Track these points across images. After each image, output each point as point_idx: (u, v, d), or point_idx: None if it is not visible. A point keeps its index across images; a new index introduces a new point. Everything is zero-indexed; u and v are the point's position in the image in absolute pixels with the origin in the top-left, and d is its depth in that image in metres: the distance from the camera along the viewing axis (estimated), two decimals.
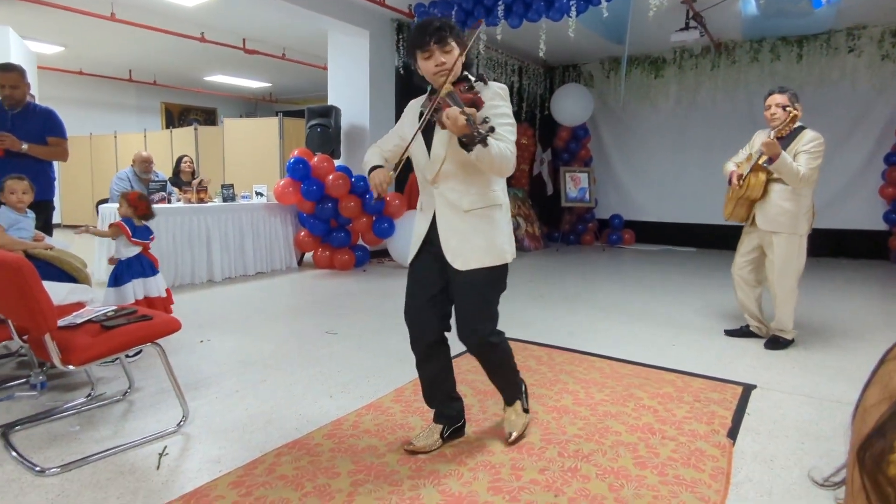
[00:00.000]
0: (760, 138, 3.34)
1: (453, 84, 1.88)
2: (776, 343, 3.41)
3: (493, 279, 2.00)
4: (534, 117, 8.75)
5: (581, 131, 8.65)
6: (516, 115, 8.50)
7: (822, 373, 3.01)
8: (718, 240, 7.46)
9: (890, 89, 6.75)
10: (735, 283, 3.61)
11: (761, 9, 5.78)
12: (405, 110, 2.13)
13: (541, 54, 5.77)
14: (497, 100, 1.93)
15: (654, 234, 8.54)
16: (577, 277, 5.89)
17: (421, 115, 1.98)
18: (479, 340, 2.02)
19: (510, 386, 2.22)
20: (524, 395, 2.28)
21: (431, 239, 2.02)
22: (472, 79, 1.96)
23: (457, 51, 1.89)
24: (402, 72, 6.81)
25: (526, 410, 2.26)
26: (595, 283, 5.59)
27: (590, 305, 4.58)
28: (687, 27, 6.15)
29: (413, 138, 1.94)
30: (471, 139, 1.67)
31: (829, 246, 7.00)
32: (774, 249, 3.30)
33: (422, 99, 2.08)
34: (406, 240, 6.03)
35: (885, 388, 0.65)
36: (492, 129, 1.68)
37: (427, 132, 1.96)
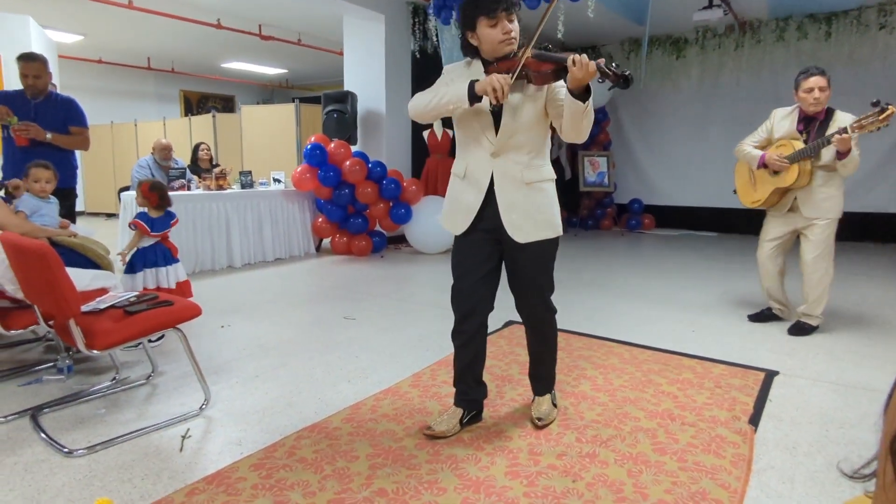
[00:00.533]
0: (782, 119, 3.28)
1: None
2: (801, 329, 3.35)
3: (551, 251, 2.05)
4: None
5: (600, 115, 8.49)
6: None
7: (848, 358, 2.95)
8: (741, 224, 7.32)
9: None
10: (762, 270, 3.53)
11: None
12: (447, 73, 2.03)
13: (559, 35, 5.68)
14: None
15: (675, 218, 8.41)
16: (596, 262, 5.84)
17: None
18: (542, 309, 2.08)
19: (549, 372, 2.25)
20: (555, 392, 2.30)
21: (483, 213, 1.98)
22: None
23: (517, 23, 1.87)
24: (417, 56, 6.76)
25: (555, 406, 2.27)
26: (614, 269, 5.53)
27: (608, 290, 4.54)
28: (710, 5, 6.00)
29: (502, 102, 1.79)
30: (610, 78, 1.67)
31: (855, 230, 6.83)
32: (815, 234, 3.25)
33: (465, 66, 1.99)
34: (423, 225, 6.05)
35: None
36: (628, 79, 1.67)
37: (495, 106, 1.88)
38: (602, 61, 1.68)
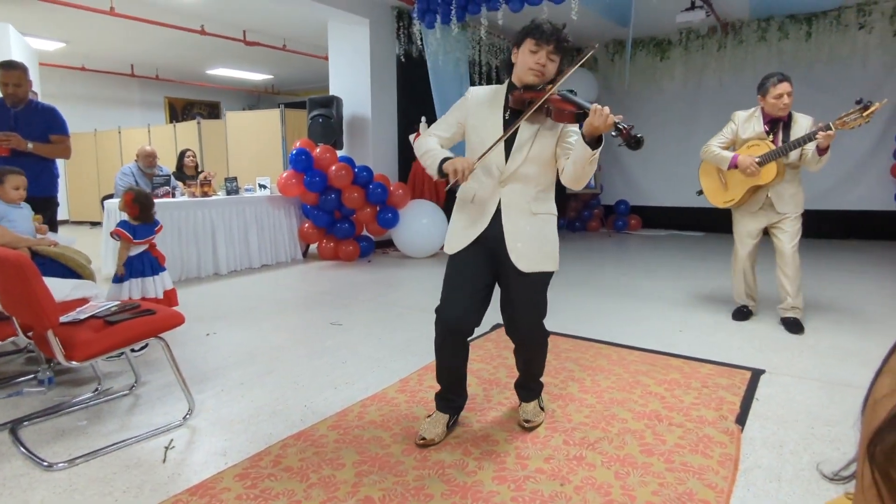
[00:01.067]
0: (747, 121, 3.40)
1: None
2: (797, 325, 3.39)
3: (548, 279, 2.08)
4: None
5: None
6: None
7: (833, 355, 2.97)
8: (726, 223, 7.35)
9: None
10: (743, 269, 3.58)
11: None
12: (468, 97, 2.07)
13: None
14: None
15: (661, 218, 8.47)
16: (583, 264, 5.86)
17: (508, 110, 1.97)
18: (536, 334, 2.12)
19: (537, 384, 2.26)
20: (542, 396, 2.31)
21: (488, 235, 2.00)
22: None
23: (556, 65, 1.92)
24: (402, 60, 6.75)
25: (543, 409, 2.28)
26: (601, 270, 5.55)
27: (596, 292, 4.55)
28: (693, 7, 6.06)
29: (509, 132, 1.91)
30: (623, 135, 1.72)
31: (839, 227, 6.92)
32: (789, 226, 3.37)
33: (493, 91, 2.05)
34: (411, 230, 6.03)
35: None
36: (639, 140, 1.72)
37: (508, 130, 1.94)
38: (620, 118, 1.73)
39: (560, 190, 9.67)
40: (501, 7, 5.50)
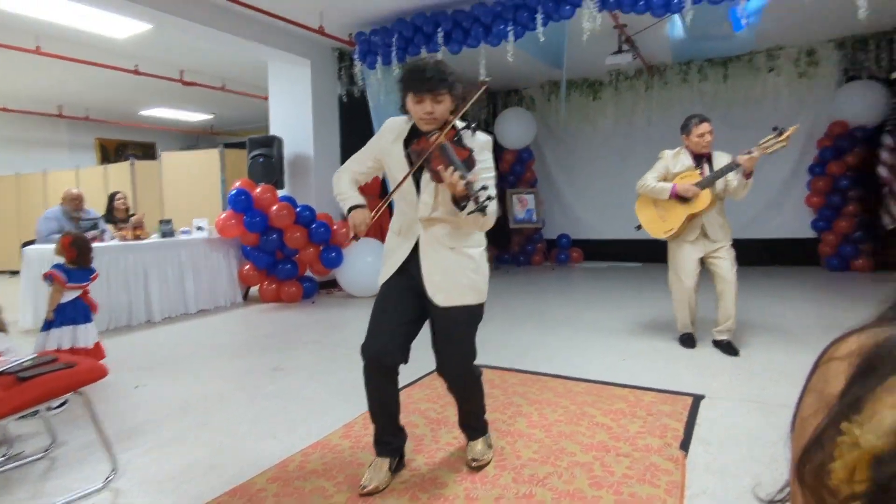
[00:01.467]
0: (674, 158, 3.65)
1: (439, 129, 1.88)
2: (732, 348, 3.54)
3: (475, 316, 2.03)
4: None
5: (525, 154, 8.82)
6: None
7: (767, 377, 3.09)
8: (662, 254, 7.65)
9: (808, 105, 7.18)
10: (687, 298, 3.69)
11: (687, 32, 6.09)
12: (382, 130, 2.06)
13: (480, 80, 5.87)
14: (484, 153, 1.95)
15: (601, 251, 8.71)
16: (528, 297, 5.92)
17: (408, 155, 1.93)
18: (464, 374, 2.06)
19: (479, 421, 2.22)
20: (489, 433, 2.26)
21: (409, 268, 1.99)
22: (461, 126, 1.93)
23: (448, 100, 1.89)
24: (345, 100, 6.79)
25: (490, 446, 2.23)
26: (545, 303, 5.62)
27: (541, 325, 4.60)
28: (620, 50, 6.41)
29: (402, 181, 1.93)
30: (468, 202, 1.70)
31: (762, 255, 7.31)
32: (726, 254, 3.56)
33: (403, 123, 2.02)
34: (355, 269, 5.95)
35: (821, 395, 0.63)
36: (490, 199, 1.69)
37: (416, 172, 1.93)
38: (477, 187, 1.69)
39: (503, 225, 9.77)
40: (441, 49, 5.65)
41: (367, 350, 1.99)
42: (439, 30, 5.62)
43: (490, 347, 3.71)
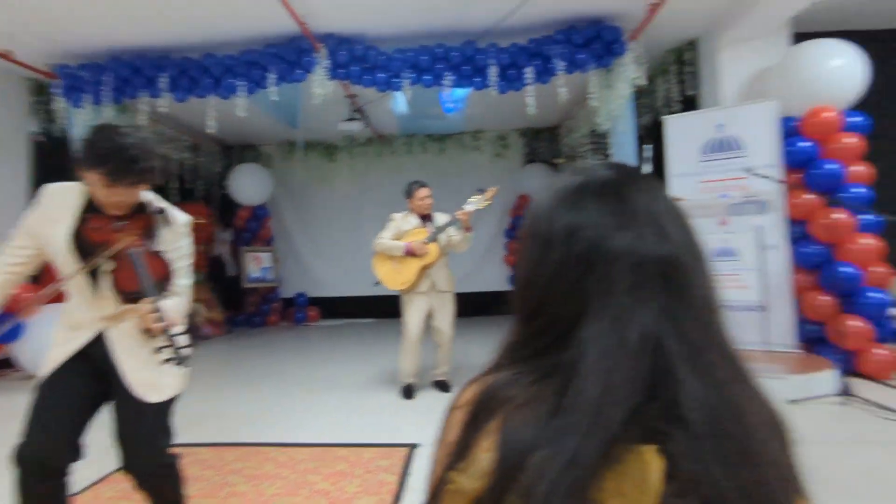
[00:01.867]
0: (404, 219, 4.12)
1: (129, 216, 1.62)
2: (447, 386, 4.07)
3: (173, 403, 1.81)
4: (211, 196, 8.33)
5: (261, 211, 8.60)
6: (191, 192, 7.85)
7: None
8: (392, 308, 8.14)
9: (503, 180, 8.53)
10: (413, 349, 4.02)
11: (409, 109, 6.83)
12: (42, 204, 1.66)
13: (209, 131, 5.59)
14: (181, 240, 1.76)
15: (338, 308, 8.86)
16: (263, 360, 5.65)
17: (79, 245, 1.60)
18: (155, 469, 1.76)
19: None
20: None
21: (92, 352, 1.67)
22: (156, 208, 1.69)
23: (140, 185, 1.60)
24: (44, 139, 5.74)
25: None
26: (281, 364, 5.44)
27: (273, 388, 4.42)
28: (352, 118, 6.83)
29: (72, 276, 1.59)
30: (164, 347, 1.46)
31: (473, 307, 8.34)
32: (448, 306, 4.05)
33: (74, 194, 1.64)
34: (43, 341, 4.88)
35: (445, 445, 0.74)
36: (186, 357, 1.48)
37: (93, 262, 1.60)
38: (178, 331, 1.52)
39: (235, 284, 9.21)
40: (164, 95, 5.20)
41: (25, 452, 1.59)
42: (162, 74, 5.19)
43: (209, 422, 3.42)
